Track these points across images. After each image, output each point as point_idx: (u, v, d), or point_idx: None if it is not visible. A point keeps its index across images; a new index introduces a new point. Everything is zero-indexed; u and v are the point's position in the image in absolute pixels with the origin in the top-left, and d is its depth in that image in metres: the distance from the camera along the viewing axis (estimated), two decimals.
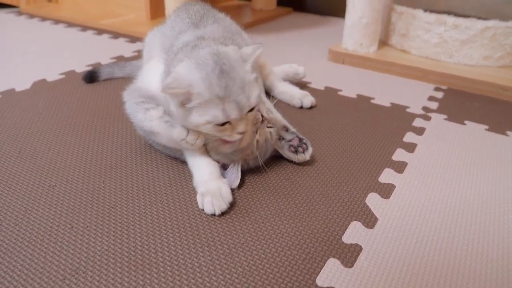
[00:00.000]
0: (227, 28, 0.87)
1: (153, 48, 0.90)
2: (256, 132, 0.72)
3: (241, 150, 0.72)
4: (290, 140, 0.80)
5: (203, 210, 0.67)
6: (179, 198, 0.70)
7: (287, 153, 0.80)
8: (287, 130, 0.82)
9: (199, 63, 0.65)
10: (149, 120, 0.72)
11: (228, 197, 0.68)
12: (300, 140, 0.79)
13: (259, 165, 0.76)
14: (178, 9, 0.95)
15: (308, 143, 0.80)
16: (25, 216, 0.66)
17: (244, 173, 0.76)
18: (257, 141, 0.72)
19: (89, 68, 1.22)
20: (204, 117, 0.64)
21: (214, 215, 0.66)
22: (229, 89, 0.63)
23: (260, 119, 0.72)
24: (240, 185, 0.74)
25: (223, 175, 0.73)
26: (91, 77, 1.18)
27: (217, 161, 0.74)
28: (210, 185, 0.69)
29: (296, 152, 0.79)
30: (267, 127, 0.75)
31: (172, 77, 0.64)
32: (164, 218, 0.66)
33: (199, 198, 0.69)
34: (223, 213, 0.67)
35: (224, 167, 0.74)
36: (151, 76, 0.80)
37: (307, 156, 0.79)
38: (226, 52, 0.67)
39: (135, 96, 0.77)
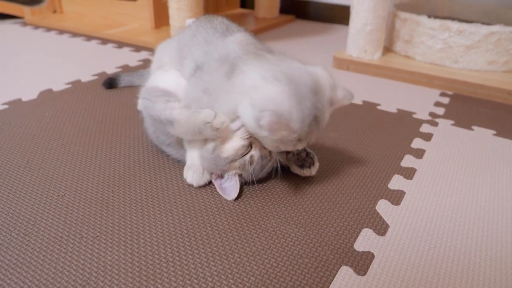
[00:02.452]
0: (252, 37, 0.87)
1: (165, 57, 0.90)
2: (251, 147, 0.70)
3: (229, 161, 0.70)
4: (297, 154, 0.78)
5: (185, 180, 0.76)
6: (188, 207, 0.70)
7: (293, 166, 0.79)
8: None
9: (291, 87, 0.62)
10: (170, 108, 0.72)
11: (207, 176, 0.75)
12: (307, 154, 0.78)
13: (256, 179, 0.73)
14: (198, 20, 0.94)
15: (315, 158, 0.78)
16: (34, 226, 0.65)
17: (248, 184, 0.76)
18: (251, 156, 0.70)
19: (110, 75, 1.25)
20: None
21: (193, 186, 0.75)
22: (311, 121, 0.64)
23: None
24: (250, 194, 0.74)
25: (220, 186, 0.73)
26: (110, 83, 1.20)
27: (211, 172, 0.74)
28: (196, 163, 0.75)
29: (302, 166, 0.77)
30: None
31: (271, 113, 0.60)
32: (175, 227, 0.65)
33: (184, 169, 0.76)
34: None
35: (221, 177, 0.74)
36: (167, 81, 0.80)
37: (313, 171, 0.78)
38: (316, 74, 0.66)
39: (153, 90, 0.77)
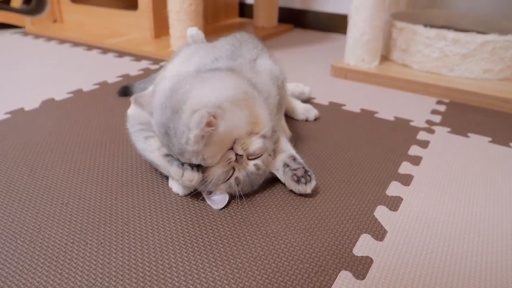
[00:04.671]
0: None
1: (187, 64, 0.92)
2: (234, 170, 0.71)
3: (214, 185, 0.72)
4: (295, 169, 0.77)
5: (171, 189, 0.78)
6: (190, 214, 0.71)
7: (288, 181, 0.77)
8: (294, 159, 0.79)
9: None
10: (149, 150, 0.74)
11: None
12: (306, 172, 0.77)
13: (250, 191, 0.76)
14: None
15: (312, 176, 0.76)
16: (39, 233, 0.67)
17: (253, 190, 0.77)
18: (236, 178, 0.71)
19: (124, 84, 1.27)
20: None
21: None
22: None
23: (233, 158, 0.69)
24: (251, 201, 0.75)
25: (209, 196, 0.74)
26: (125, 92, 1.24)
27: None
28: None
29: (298, 182, 0.76)
30: (250, 159, 0.72)
31: None
32: (177, 233, 0.67)
33: (169, 179, 0.79)
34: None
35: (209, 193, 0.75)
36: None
37: (308, 189, 0.75)
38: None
39: (133, 122, 0.78)
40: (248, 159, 0.72)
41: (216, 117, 0.65)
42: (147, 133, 0.75)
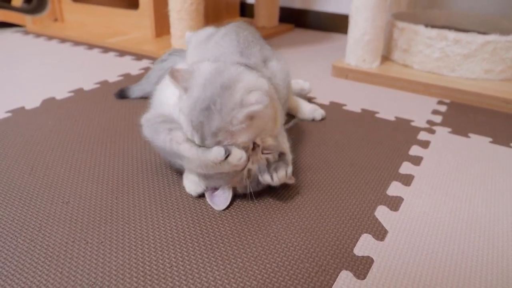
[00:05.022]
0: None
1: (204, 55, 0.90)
2: (248, 160, 0.68)
3: (227, 176, 0.70)
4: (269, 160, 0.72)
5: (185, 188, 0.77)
6: (191, 213, 0.71)
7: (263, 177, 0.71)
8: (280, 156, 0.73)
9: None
10: (176, 142, 0.68)
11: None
12: (280, 159, 0.72)
13: (250, 192, 0.73)
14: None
15: (283, 166, 0.70)
16: (40, 232, 0.67)
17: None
18: (249, 170, 0.69)
19: (122, 86, 1.25)
20: None
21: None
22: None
23: (251, 146, 0.67)
24: (252, 201, 0.75)
25: (211, 196, 0.74)
26: (121, 94, 1.22)
27: (206, 187, 0.74)
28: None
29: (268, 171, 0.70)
30: (264, 153, 0.70)
31: None
32: (178, 232, 0.67)
33: (184, 178, 0.78)
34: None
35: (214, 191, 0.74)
36: (168, 96, 0.78)
37: (274, 178, 0.69)
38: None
39: (153, 117, 0.75)
40: (262, 153, 0.70)
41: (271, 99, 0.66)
42: (171, 125, 0.71)
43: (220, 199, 0.73)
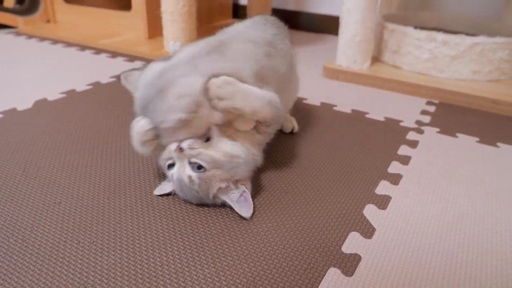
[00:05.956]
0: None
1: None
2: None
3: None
4: None
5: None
6: (182, 213, 0.72)
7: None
8: None
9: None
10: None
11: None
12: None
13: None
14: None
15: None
16: (32, 232, 0.67)
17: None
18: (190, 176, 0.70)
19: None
20: None
21: None
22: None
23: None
24: None
25: (239, 207, 0.70)
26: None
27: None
28: None
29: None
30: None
31: None
32: (169, 232, 0.68)
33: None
34: (224, 224, 0.69)
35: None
36: None
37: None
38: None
39: None
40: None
41: (199, 106, 0.68)
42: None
43: (245, 207, 0.70)
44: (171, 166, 0.72)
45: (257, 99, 0.72)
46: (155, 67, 0.74)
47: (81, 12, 2.05)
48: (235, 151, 0.71)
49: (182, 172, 0.70)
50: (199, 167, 0.69)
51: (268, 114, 0.73)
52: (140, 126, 0.71)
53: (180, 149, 0.69)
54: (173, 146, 0.70)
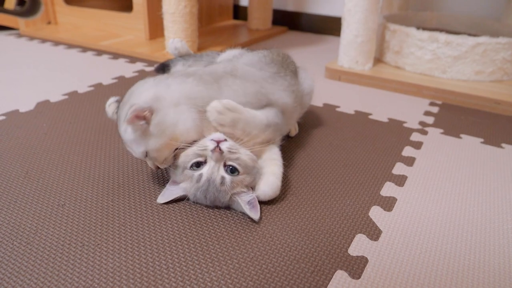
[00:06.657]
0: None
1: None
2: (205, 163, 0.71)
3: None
4: None
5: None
6: (187, 215, 0.72)
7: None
8: None
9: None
10: None
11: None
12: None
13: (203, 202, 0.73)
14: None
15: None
16: (36, 235, 0.67)
17: None
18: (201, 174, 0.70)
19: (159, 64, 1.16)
20: None
21: None
22: None
23: (210, 147, 0.69)
24: None
25: (249, 210, 0.69)
26: (163, 68, 1.13)
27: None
28: None
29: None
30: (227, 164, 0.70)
31: None
32: (174, 234, 0.67)
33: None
34: (230, 227, 0.68)
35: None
36: None
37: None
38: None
39: None
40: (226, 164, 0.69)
41: (152, 112, 0.69)
42: None
43: (254, 209, 0.70)
44: (198, 164, 0.70)
45: (257, 127, 0.74)
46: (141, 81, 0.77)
47: (82, 13, 2.05)
48: (255, 158, 0.73)
49: (215, 172, 0.68)
50: (233, 170, 0.69)
51: (267, 137, 0.76)
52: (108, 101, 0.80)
53: (220, 151, 0.68)
54: (210, 145, 0.69)
